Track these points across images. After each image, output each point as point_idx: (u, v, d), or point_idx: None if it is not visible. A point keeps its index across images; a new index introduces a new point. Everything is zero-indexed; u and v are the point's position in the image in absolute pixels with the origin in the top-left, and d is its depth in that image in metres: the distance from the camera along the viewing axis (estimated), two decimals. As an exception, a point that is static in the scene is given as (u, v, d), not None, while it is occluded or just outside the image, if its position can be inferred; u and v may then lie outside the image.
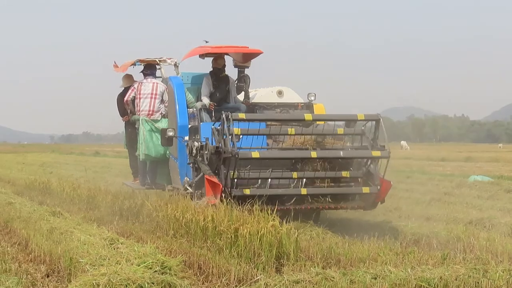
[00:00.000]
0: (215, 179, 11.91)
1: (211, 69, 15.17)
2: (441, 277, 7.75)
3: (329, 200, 12.70)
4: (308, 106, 15.50)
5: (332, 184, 13.12)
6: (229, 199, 11.33)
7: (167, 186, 15.38)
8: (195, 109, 14.63)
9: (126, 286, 7.17)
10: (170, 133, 13.76)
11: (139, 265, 7.93)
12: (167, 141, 13.92)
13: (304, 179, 12.89)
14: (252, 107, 15.41)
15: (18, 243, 11.29)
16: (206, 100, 14.74)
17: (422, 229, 12.10)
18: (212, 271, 8.76)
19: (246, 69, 16.13)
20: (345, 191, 13.03)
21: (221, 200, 11.41)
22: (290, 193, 12.70)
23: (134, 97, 15.61)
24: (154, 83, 15.61)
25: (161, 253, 8.85)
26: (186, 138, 13.61)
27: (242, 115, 12.60)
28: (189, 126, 14.21)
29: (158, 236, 11.58)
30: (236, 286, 8.19)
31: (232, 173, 11.95)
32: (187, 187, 13.45)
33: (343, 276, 7.87)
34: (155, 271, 7.81)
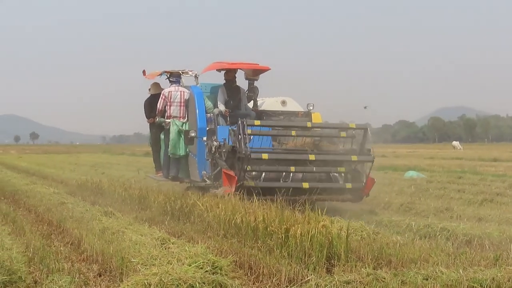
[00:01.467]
0: (231, 173, 14.59)
1: (225, 81, 17.84)
2: (493, 278, 7.66)
3: (324, 193, 15.16)
4: (307, 114, 17.90)
5: (325, 179, 15.86)
6: (241, 190, 13.95)
7: (186, 179, 18.28)
8: (212, 114, 17.13)
9: (177, 286, 7.20)
10: (192, 134, 16.68)
11: (190, 265, 7.96)
12: (189, 141, 16.84)
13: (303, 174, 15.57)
14: (260, 114, 17.92)
15: (71, 242, 11.38)
16: (222, 107, 17.30)
17: (474, 230, 11.94)
18: (263, 271, 8.75)
19: (255, 81, 18.68)
20: (334, 186, 15.63)
21: (235, 190, 14.09)
22: (294, 186, 14.82)
23: (165, 103, 17.80)
24: (181, 91, 17.79)
25: (212, 253, 8.87)
26: (205, 138, 16.29)
27: (257, 122, 15.29)
28: (207, 128, 16.72)
29: (209, 236, 11.60)
30: (286, 286, 8.18)
31: (245, 168, 14.34)
32: (206, 179, 16.29)
33: (394, 277, 7.82)
34: (206, 271, 7.83)
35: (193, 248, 9.00)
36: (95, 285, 8.43)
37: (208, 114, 17.08)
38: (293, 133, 15.80)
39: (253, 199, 12.93)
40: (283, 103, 18.64)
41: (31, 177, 30.43)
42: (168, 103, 17.69)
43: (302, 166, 15.50)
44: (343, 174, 15.87)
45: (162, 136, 18.80)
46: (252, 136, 14.95)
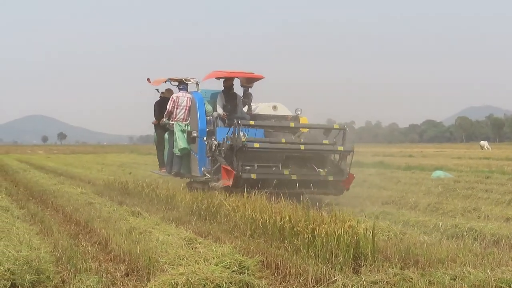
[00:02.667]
0: (229, 168, 16.19)
1: (223, 88, 19.61)
2: (522, 279, 7.62)
3: (311, 186, 16.82)
4: (295, 118, 19.82)
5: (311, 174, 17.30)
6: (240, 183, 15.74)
7: (187, 175, 20.03)
8: (211, 117, 19.06)
9: (204, 285, 7.22)
10: (194, 134, 18.86)
11: (217, 265, 7.99)
12: (191, 140, 19.08)
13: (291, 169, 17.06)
14: (253, 117, 19.55)
15: (98, 242, 11.43)
16: (220, 111, 19.07)
17: (502, 230, 11.86)
18: (290, 271, 8.75)
19: (250, 88, 20.76)
20: (319, 178, 17.13)
21: (233, 183, 15.85)
22: (282, 179, 16.68)
23: (173, 106, 19.65)
24: (188, 97, 19.76)
25: (239, 253, 8.89)
26: (205, 138, 18.17)
27: (251, 122, 17.34)
28: (207, 129, 18.60)
29: (236, 236, 11.62)
30: (313, 286, 8.18)
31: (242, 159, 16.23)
32: (206, 174, 18.00)
33: (422, 277, 7.81)
34: (233, 271, 7.86)
35: (220, 248, 9.02)
36: (122, 285, 8.47)
37: (208, 117, 19.05)
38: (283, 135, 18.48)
39: (255, 192, 14.11)
40: (274, 108, 20.52)
41: (59, 177, 30.57)
42: (176, 106, 19.62)
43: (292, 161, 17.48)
44: (327, 170, 17.49)
45: (166, 136, 20.85)
46: (246, 136, 16.44)
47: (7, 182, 27.16)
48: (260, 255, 9.44)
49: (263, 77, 20.41)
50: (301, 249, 9.78)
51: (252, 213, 11.98)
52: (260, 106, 20.79)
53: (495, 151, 71.94)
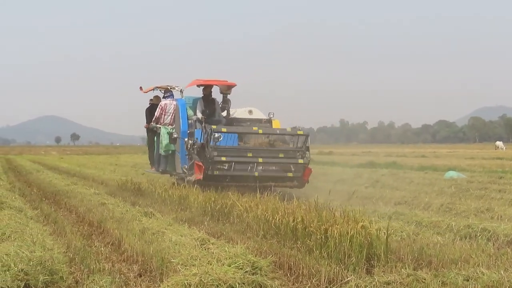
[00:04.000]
0: (200, 163, 18.36)
1: (203, 95, 21.66)
2: (535, 280, 7.59)
3: (274, 181, 19.04)
4: (269, 121, 21.85)
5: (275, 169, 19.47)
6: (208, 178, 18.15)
7: (173, 172, 22.47)
8: (192, 121, 20.84)
9: (217, 286, 7.21)
10: (175, 135, 21.22)
11: (230, 266, 7.98)
12: (173, 141, 21.42)
13: (258, 166, 18.96)
14: (231, 121, 21.71)
15: (111, 243, 11.46)
16: (199, 115, 20.89)
17: (516, 231, 11.83)
18: (303, 271, 8.75)
19: (228, 95, 22.51)
20: (278, 174, 19.28)
21: (203, 177, 18.13)
22: (247, 174, 18.75)
23: (161, 113, 22.06)
24: (174, 104, 21.98)
25: (252, 254, 8.87)
26: (186, 139, 19.90)
27: (224, 129, 19.06)
28: (188, 131, 20.57)
29: (249, 237, 11.63)
30: (326, 287, 8.18)
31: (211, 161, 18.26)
32: (184, 170, 20.20)
33: (435, 278, 7.78)
34: (246, 271, 7.84)
35: (233, 248, 9.01)
36: (135, 285, 8.48)
37: (190, 120, 21.02)
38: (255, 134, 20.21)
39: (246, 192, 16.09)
40: (250, 112, 22.37)
41: (72, 178, 30.70)
42: (163, 113, 22.08)
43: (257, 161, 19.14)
44: (289, 166, 19.57)
45: (155, 139, 23.12)
46: (221, 137, 18.92)
47: (20, 183, 27.29)
48: (273, 255, 9.44)
49: (235, 84, 22.57)
50: (314, 250, 9.78)
51: (265, 213, 11.99)
52: (238, 111, 22.59)
53: (508, 151, 71.80)
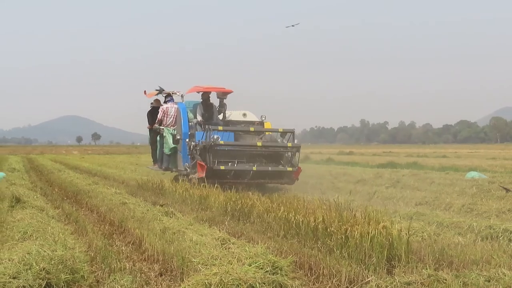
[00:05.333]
0: (202, 163, 20.41)
1: (201, 100, 23.77)
2: (557, 281, 7.55)
3: (269, 178, 21.44)
4: (261, 123, 24.07)
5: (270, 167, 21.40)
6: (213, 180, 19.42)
7: (174, 169, 24.50)
8: (192, 123, 22.99)
9: (238, 286, 7.21)
10: (178, 137, 23.16)
11: (250, 265, 7.97)
12: (176, 142, 23.49)
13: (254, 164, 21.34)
14: (227, 123, 23.92)
15: (132, 242, 11.49)
16: (199, 118, 23.20)
17: (538, 231, 11.77)
18: (323, 271, 8.74)
19: (224, 99, 24.64)
20: (275, 169, 21.29)
21: (206, 175, 19.91)
22: (247, 169, 20.87)
23: (163, 115, 24.13)
24: (175, 107, 24.15)
25: (272, 254, 8.85)
26: (187, 140, 22.24)
27: (220, 127, 21.53)
28: (189, 133, 22.64)
29: (269, 237, 11.63)
30: (347, 287, 8.17)
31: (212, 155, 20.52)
32: (187, 168, 22.37)
33: (456, 278, 7.75)
34: (266, 271, 7.83)
35: (253, 248, 9.00)
36: (156, 285, 8.51)
37: (190, 123, 23.11)
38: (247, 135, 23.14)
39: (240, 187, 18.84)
40: (244, 115, 24.69)
41: (93, 177, 30.78)
42: (165, 115, 24.16)
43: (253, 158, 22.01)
44: (282, 162, 22.01)
45: (158, 138, 25.15)
46: (219, 137, 20.91)
47: (42, 182, 27.41)
48: (293, 255, 9.44)
49: (232, 91, 24.64)
50: (335, 250, 9.77)
51: (285, 213, 11.99)
52: (233, 114, 24.86)
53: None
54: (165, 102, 24.83)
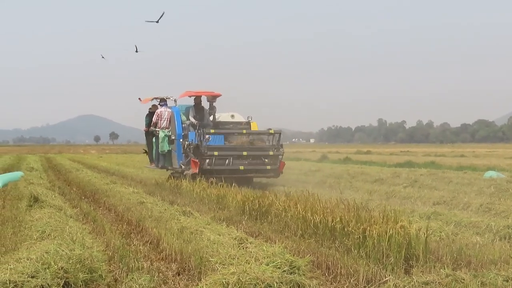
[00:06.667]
0: (195, 160, 22.75)
1: (194, 103, 26.01)
2: None
3: (255, 173, 24.00)
4: (248, 123, 26.21)
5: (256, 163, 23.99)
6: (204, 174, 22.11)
7: (169, 167, 26.47)
8: (185, 125, 24.59)
9: (255, 285, 7.21)
10: (173, 137, 25.24)
11: (268, 265, 7.97)
12: (171, 142, 25.57)
13: (244, 160, 23.71)
14: (216, 124, 25.95)
15: (150, 241, 11.51)
16: (192, 120, 25.14)
17: (557, 231, 11.71)
18: (341, 271, 8.73)
19: (214, 102, 26.76)
20: (259, 167, 23.84)
21: (198, 171, 22.33)
22: (234, 168, 23.38)
23: (157, 119, 25.90)
24: (168, 111, 26.03)
25: (290, 253, 8.85)
26: (181, 140, 24.18)
27: (212, 130, 23.77)
28: (183, 134, 24.34)
29: (287, 236, 11.62)
30: (364, 287, 8.15)
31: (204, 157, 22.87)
32: (182, 166, 24.25)
33: (474, 278, 7.73)
34: (284, 271, 7.82)
35: (271, 247, 8.99)
36: (173, 284, 8.52)
37: (183, 125, 24.78)
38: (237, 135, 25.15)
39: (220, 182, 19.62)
40: (232, 116, 26.78)
41: (111, 176, 30.88)
42: (159, 118, 25.91)
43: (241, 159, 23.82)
44: (266, 160, 24.14)
45: (154, 140, 27.17)
46: (210, 137, 23.23)
47: (60, 182, 27.53)
48: (311, 255, 9.44)
49: (220, 95, 26.84)
50: (352, 250, 9.76)
51: (303, 213, 11.97)
52: (222, 115, 26.89)
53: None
54: (159, 106, 26.81)
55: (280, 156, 24.05)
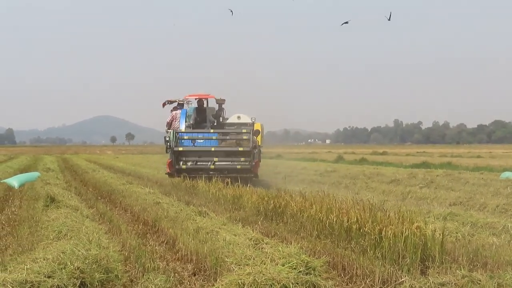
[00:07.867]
0: (170, 160, 24.90)
1: (197, 105, 27.40)
2: None
3: (228, 172, 24.05)
4: (252, 124, 26.45)
5: (230, 163, 24.61)
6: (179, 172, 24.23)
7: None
8: (185, 125, 26.24)
9: (271, 286, 7.21)
10: (167, 138, 25.62)
11: (283, 265, 7.97)
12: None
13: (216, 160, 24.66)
14: (222, 125, 27.28)
15: (166, 242, 11.53)
16: (191, 121, 26.41)
17: None
18: (356, 272, 8.71)
19: (223, 104, 28.03)
20: (230, 167, 24.42)
21: (173, 171, 24.63)
22: (206, 168, 24.42)
23: (172, 120, 26.99)
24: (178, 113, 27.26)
25: (305, 254, 8.83)
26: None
27: (186, 131, 25.64)
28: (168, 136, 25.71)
29: (302, 237, 11.60)
30: (380, 287, 8.14)
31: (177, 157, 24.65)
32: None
33: (490, 279, 7.70)
34: (300, 271, 7.82)
35: (287, 248, 8.99)
36: (189, 284, 8.54)
37: (183, 125, 26.34)
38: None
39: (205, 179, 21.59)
40: (238, 117, 27.55)
41: (127, 177, 30.94)
42: (175, 120, 26.96)
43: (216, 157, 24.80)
44: (242, 159, 24.49)
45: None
46: (202, 140, 24.90)
47: (76, 182, 27.64)
48: (326, 255, 9.43)
49: (214, 97, 27.96)
50: (368, 250, 9.74)
51: (319, 213, 11.96)
52: (231, 116, 27.86)
53: None
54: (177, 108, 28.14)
55: (254, 151, 24.52)
